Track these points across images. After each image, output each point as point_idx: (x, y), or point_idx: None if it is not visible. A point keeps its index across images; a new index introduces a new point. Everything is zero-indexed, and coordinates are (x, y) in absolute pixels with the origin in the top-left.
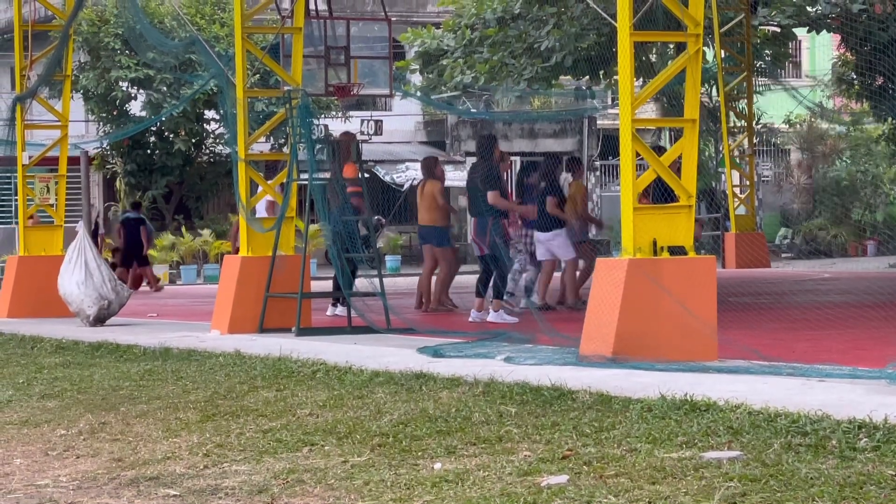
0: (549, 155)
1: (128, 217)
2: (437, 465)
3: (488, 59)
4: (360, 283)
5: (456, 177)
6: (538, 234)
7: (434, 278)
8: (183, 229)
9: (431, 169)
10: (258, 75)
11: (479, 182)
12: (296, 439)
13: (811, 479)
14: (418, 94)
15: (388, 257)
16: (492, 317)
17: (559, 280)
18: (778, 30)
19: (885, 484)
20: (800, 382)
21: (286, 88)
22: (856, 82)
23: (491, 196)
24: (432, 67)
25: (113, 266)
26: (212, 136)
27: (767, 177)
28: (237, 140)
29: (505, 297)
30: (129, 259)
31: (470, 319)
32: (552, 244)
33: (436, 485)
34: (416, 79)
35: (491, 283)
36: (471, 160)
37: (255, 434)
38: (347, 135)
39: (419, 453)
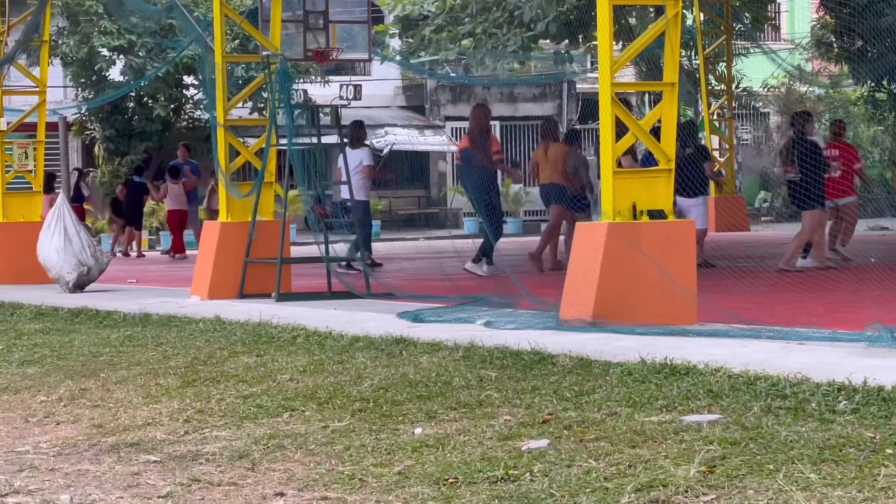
0: (689, 122)
1: (133, 181)
2: (418, 430)
3: (471, 31)
4: (340, 249)
5: (435, 142)
6: (680, 199)
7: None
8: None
9: (554, 131)
10: (237, 40)
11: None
12: (276, 405)
13: (791, 441)
14: (398, 58)
15: None
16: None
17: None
18: None
19: (865, 446)
20: (779, 346)
21: (265, 53)
22: (835, 45)
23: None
24: (412, 32)
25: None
26: (191, 101)
27: (747, 140)
28: (216, 105)
29: None
30: (130, 221)
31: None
32: (691, 211)
33: (416, 450)
34: (395, 43)
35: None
36: (450, 124)
37: (236, 400)
38: (482, 108)
39: (400, 418)
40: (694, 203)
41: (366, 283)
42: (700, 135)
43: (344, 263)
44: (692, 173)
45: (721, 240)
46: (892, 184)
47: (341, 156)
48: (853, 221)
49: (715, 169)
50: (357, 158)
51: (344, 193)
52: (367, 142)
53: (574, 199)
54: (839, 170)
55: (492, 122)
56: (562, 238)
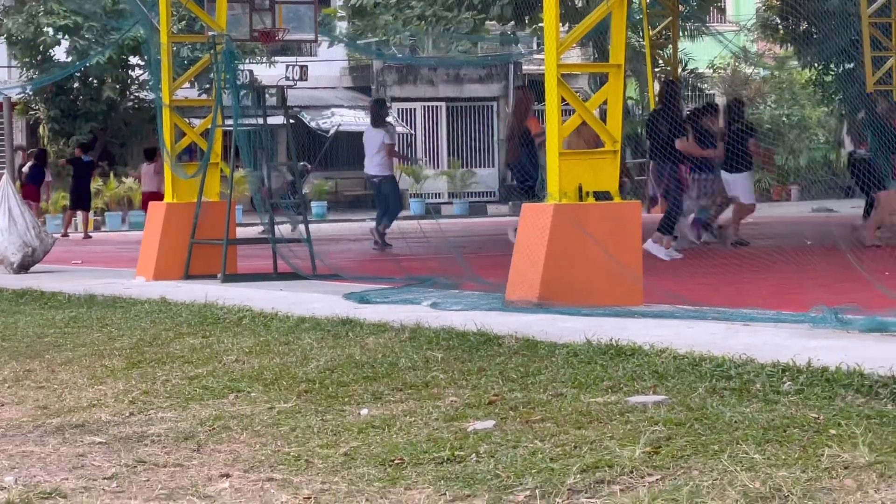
0: (736, 100)
1: (80, 159)
2: (364, 411)
3: (422, 14)
4: (285, 230)
5: None
6: (724, 174)
7: None
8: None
9: None
10: (183, 21)
11: (666, 127)
12: (222, 386)
13: (735, 422)
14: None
15: (313, 203)
16: (649, 245)
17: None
18: None
19: (809, 427)
20: (724, 327)
21: (210, 34)
22: (780, 27)
23: (679, 143)
24: (364, 20)
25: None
26: (136, 82)
27: None
28: (161, 86)
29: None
30: (78, 202)
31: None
32: (736, 185)
33: (362, 431)
34: (343, 25)
35: (661, 219)
36: (397, 105)
37: (181, 381)
38: (524, 90)
39: (346, 399)
40: (739, 178)
41: (312, 265)
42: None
43: (379, 234)
44: (737, 149)
45: None
46: (837, 166)
47: (373, 130)
48: None
49: (759, 147)
50: (379, 137)
51: (369, 169)
52: (388, 119)
53: None
54: None
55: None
56: None
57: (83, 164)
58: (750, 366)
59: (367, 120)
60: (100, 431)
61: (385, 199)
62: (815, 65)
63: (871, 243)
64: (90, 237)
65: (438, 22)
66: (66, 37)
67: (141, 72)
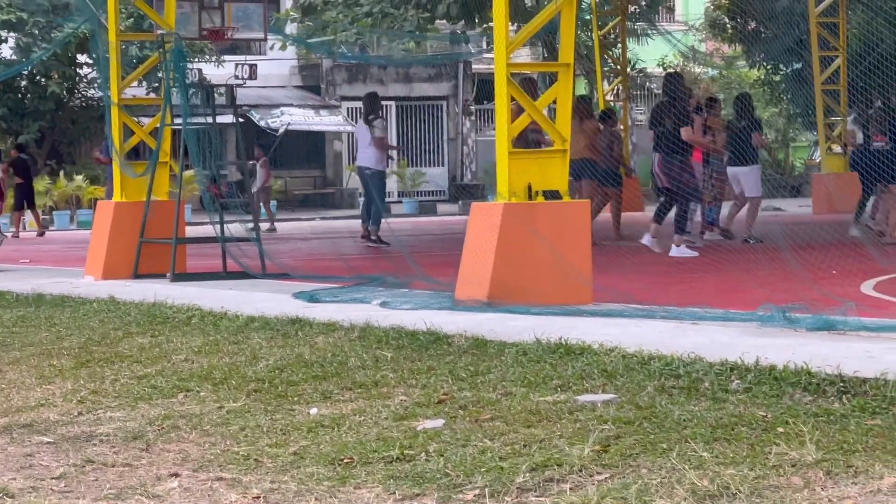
0: (744, 94)
1: (21, 159)
2: (314, 411)
3: (370, 11)
4: (235, 228)
5: (331, 122)
6: (733, 169)
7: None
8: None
9: (587, 109)
10: (131, 19)
11: (672, 120)
12: (171, 385)
13: (684, 420)
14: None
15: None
16: (674, 252)
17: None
18: None
19: (756, 425)
20: (673, 325)
21: (159, 32)
22: (728, 26)
23: (685, 132)
24: (313, 17)
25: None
26: (85, 80)
27: (641, 121)
28: (110, 84)
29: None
30: (24, 201)
31: (642, 241)
32: (746, 178)
33: (312, 430)
34: (293, 28)
35: (674, 220)
36: (346, 104)
37: (130, 380)
38: (531, 82)
39: (295, 398)
40: (746, 171)
41: (261, 264)
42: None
43: (374, 238)
44: (744, 143)
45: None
46: (786, 165)
47: (359, 126)
48: None
49: (764, 140)
50: (369, 130)
51: (360, 162)
52: (379, 114)
53: (606, 173)
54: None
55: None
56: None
57: (24, 162)
58: (698, 364)
59: (317, 119)
60: (48, 431)
61: (371, 193)
62: (764, 64)
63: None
64: (44, 233)
65: (385, 18)
66: (10, 33)
67: (89, 69)
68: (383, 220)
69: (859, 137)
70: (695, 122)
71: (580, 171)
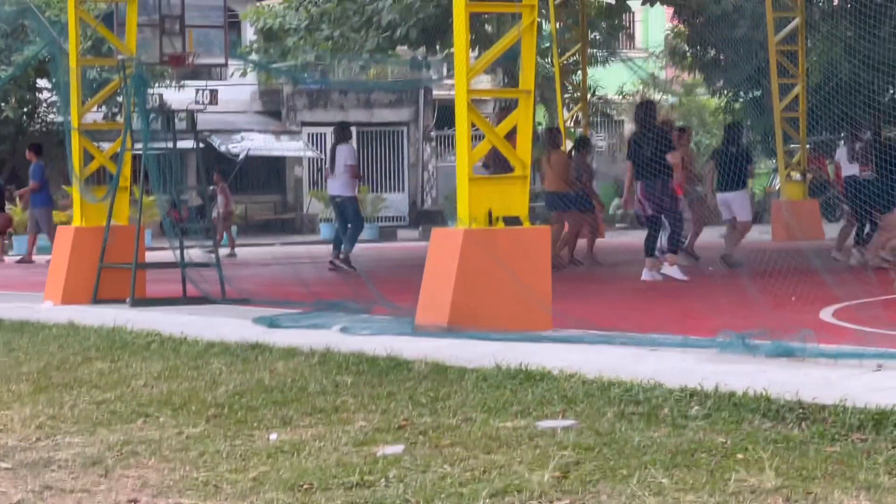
0: (736, 122)
1: None
2: (273, 436)
3: (329, 35)
4: (195, 254)
5: (292, 147)
6: (723, 195)
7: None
8: (17, 199)
9: (556, 140)
10: (90, 42)
11: (651, 146)
12: (130, 411)
13: (644, 447)
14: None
15: None
16: (665, 270)
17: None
18: (612, 2)
19: (716, 451)
20: (633, 352)
21: (120, 57)
22: (688, 54)
23: (671, 156)
24: (274, 44)
25: None
26: (44, 104)
27: (601, 148)
28: (70, 109)
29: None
30: None
31: (642, 278)
32: (735, 202)
33: (271, 455)
34: (257, 57)
35: (667, 241)
36: (307, 129)
37: (89, 406)
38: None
39: (255, 424)
40: (737, 196)
41: (221, 289)
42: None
43: (342, 259)
44: (734, 169)
45: (576, 246)
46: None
47: (337, 149)
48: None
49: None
50: (341, 157)
51: (331, 191)
52: (349, 142)
53: (579, 199)
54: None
55: None
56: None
57: None
58: (658, 390)
59: (278, 144)
60: (6, 457)
61: (346, 220)
62: (724, 91)
63: (876, 264)
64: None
65: (346, 43)
66: None
67: (49, 94)
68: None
69: (847, 168)
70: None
71: (552, 204)
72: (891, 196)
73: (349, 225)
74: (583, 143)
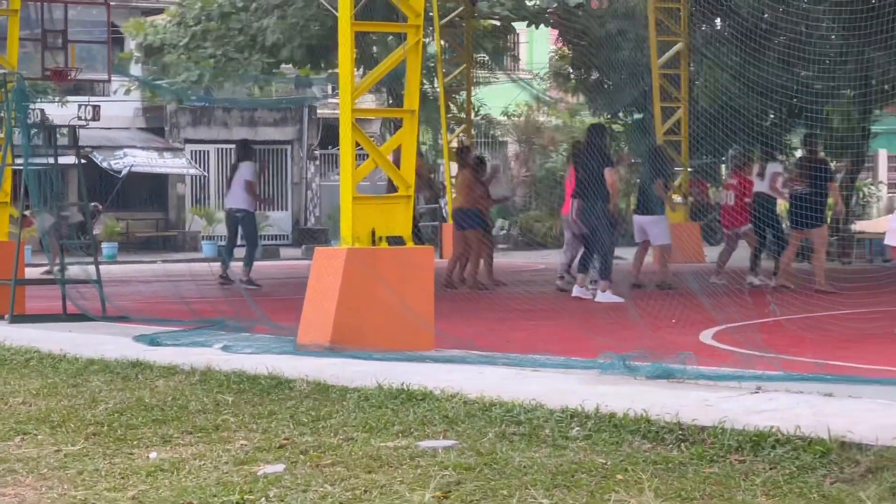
0: (658, 147)
1: None
2: (153, 455)
3: (213, 54)
4: (75, 271)
5: (174, 164)
6: (639, 218)
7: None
8: None
9: (465, 157)
10: None
11: (593, 165)
12: (7, 428)
13: (525, 467)
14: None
15: (104, 244)
16: (600, 297)
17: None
18: (498, 23)
19: (596, 472)
20: (514, 372)
21: (1, 72)
22: (572, 76)
23: (608, 173)
24: (155, 58)
25: None
26: None
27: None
28: None
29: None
30: None
31: (573, 294)
32: (651, 228)
33: (151, 474)
34: (138, 69)
35: (598, 267)
36: (190, 147)
37: None
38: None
39: (134, 442)
40: (652, 220)
41: (102, 306)
42: (666, 159)
43: (244, 279)
44: (651, 194)
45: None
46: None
47: (239, 166)
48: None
49: (669, 191)
50: (242, 173)
51: (231, 204)
52: (252, 158)
53: (479, 219)
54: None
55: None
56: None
57: None
58: (539, 411)
59: (160, 161)
60: None
61: (240, 234)
62: (606, 114)
63: (781, 283)
64: None
65: (229, 63)
66: None
67: None
68: (231, 262)
69: (757, 185)
70: (615, 171)
71: (460, 221)
72: (816, 212)
73: (244, 241)
74: (479, 163)
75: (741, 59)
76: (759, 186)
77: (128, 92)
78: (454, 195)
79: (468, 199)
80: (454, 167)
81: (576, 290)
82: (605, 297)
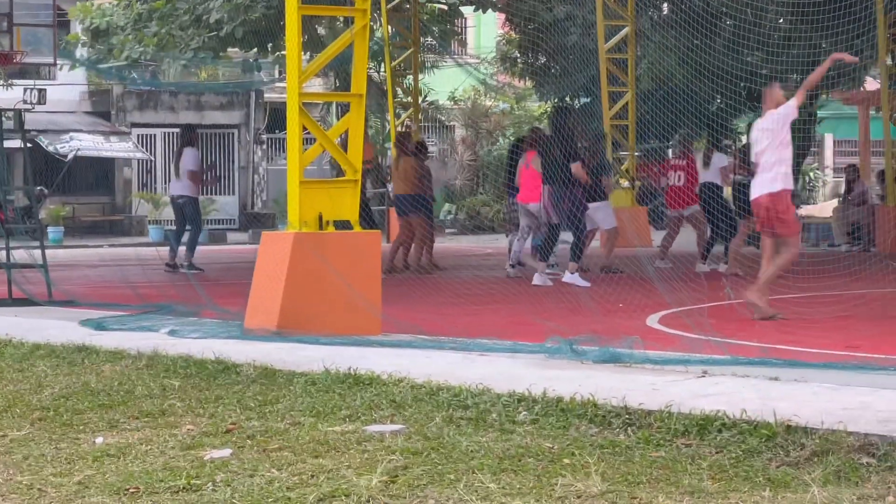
0: (599, 135)
1: None
2: (99, 440)
3: (156, 31)
4: (20, 255)
5: (121, 148)
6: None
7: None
8: None
9: (405, 144)
10: None
11: (560, 154)
12: None
13: (472, 451)
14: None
15: (50, 229)
16: (567, 278)
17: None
18: (445, 7)
19: (543, 456)
20: (462, 356)
21: None
22: (519, 60)
23: (575, 167)
24: (102, 40)
25: None
26: None
27: (432, 152)
28: None
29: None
30: None
31: (534, 283)
32: (597, 214)
33: (97, 459)
34: (84, 52)
35: (571, 248)
36: (136, 131)
37: None
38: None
39: (81, 427)
40: (595, 207)
41: (47, 290)
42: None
43: (186, 265)
44: (596, 182)
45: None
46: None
47: (183, 152)
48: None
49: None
50: (185, 160)
51: (174, 191)
52: (194, 144)
53: (421, 204)
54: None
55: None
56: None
57: None
58: (486, 395)
59: (107, 145)
60: None
61: (185, 220)
62: (553, 98)
63: (732, 272)
64: None
65: (172, 40)
66: None
67: None
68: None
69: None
70: (581, 161)
71: (407, 207)
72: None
73: (187, 227)
74: (421, 148)
75: (688, 43)
76: (705, 176)
77: (73, 68)
78: (395, 181)
79: (410, 185)
80: (392, 154)
81: (567, 277)
82: (573, 278)
